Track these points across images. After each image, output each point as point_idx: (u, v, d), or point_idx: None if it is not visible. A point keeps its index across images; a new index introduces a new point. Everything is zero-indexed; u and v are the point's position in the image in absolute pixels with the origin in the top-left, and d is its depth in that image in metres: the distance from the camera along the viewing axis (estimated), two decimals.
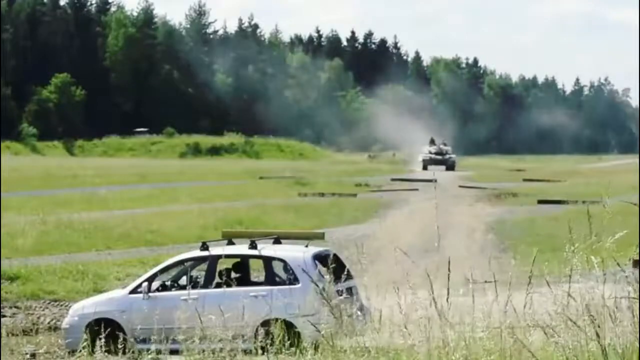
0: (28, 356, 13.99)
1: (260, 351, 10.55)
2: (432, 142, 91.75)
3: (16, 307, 20.02)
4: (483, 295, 9.16)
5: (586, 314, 7.89)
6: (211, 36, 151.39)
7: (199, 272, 16.24)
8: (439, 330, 8.42)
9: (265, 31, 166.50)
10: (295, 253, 15.74)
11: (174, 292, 15.67)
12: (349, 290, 14.49)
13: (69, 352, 14.58)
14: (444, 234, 9.02)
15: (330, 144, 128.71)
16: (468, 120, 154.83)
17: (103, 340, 10.52)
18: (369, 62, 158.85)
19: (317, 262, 15.49)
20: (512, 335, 8.16)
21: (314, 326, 9.30)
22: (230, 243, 16.60)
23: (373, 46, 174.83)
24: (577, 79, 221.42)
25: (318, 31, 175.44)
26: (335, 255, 15.28)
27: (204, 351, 9.86)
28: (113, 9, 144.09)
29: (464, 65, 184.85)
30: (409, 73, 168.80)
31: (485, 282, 9.66)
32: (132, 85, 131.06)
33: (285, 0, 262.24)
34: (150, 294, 15.71)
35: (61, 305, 20.23)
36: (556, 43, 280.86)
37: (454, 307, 8.78)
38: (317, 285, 10.26)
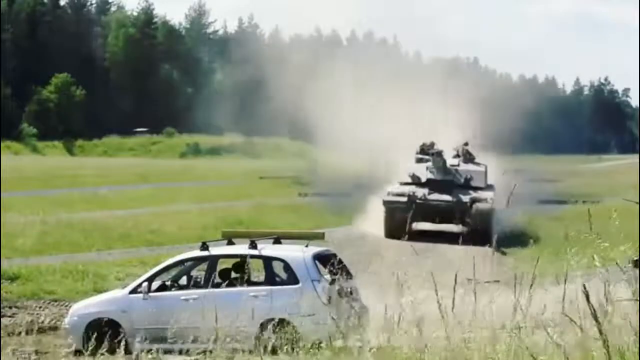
0: (28, 356, 13.98)
1: (260, 351, 10.55)
2: (429, 151, 35.36)
3: (16, 307, 20.00)
4: (483, 296, 9.16)
5: (587, 314, 7.88)
6: (211, 36, 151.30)
7: (199, 272, 16.23)
8: (439, 330, 8.41)
9: (265, 31, 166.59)
10: (295, 253, 15.71)
11: (174, 292, 15.66)
12: (349, 290, 14.48)
13: (69, 352, 14.56)
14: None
15: (330, 144, 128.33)
16: None
17: (103, 340, 10.52)
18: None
19: (317, 262, 15.49)
20: (513, 335, 8.15)
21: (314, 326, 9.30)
22: (230, 243, 16.60)
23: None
24: (577, 79, 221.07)
25: (318, 31, 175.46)
26: (335, 255, 15.30)
27: (203, 351, 9.86)
28: (113, 9, 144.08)
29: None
30: None
31: (486, 282, 9.66)
32: (132, 85, 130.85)
33: (285, 0, 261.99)
34: (150, 294, 15.69)
35: (61, 305, 20.20)
36: (556, 43, 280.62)
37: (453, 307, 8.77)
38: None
